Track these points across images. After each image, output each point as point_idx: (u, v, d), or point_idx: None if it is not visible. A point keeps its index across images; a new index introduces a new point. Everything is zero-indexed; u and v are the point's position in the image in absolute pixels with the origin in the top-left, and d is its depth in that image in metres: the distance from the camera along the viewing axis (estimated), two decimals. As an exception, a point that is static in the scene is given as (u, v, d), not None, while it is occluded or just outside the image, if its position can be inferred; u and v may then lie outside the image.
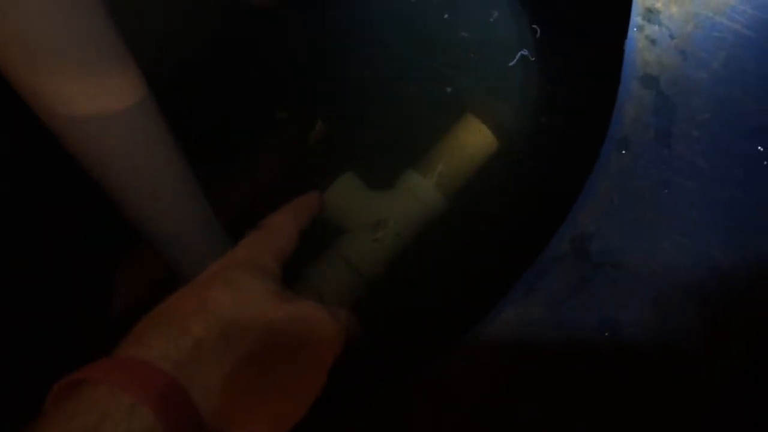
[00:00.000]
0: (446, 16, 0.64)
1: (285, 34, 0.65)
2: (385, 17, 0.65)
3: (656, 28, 0.42)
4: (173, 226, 0.38)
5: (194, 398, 0.25)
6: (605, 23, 0.45)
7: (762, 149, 0.41)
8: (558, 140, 0.56)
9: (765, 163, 0.40)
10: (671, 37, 0.42)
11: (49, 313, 0.50)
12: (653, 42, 0.42)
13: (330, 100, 0.63)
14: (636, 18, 0.42)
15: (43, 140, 0.31)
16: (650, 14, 0.42)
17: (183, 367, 0.25)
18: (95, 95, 0.27)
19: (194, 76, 0.59)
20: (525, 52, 0.60)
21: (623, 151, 0.40)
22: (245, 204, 0.59)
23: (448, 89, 0.62)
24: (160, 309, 0.27)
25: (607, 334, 0.37)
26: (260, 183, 0.60)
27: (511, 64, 0.61)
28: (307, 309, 0.29)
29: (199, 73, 0.60)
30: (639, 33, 0.42)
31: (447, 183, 0.55)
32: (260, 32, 0.63)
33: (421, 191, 0.55)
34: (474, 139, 0.57)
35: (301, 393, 0.28)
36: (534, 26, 0.61)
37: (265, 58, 0.63)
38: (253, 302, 0.28)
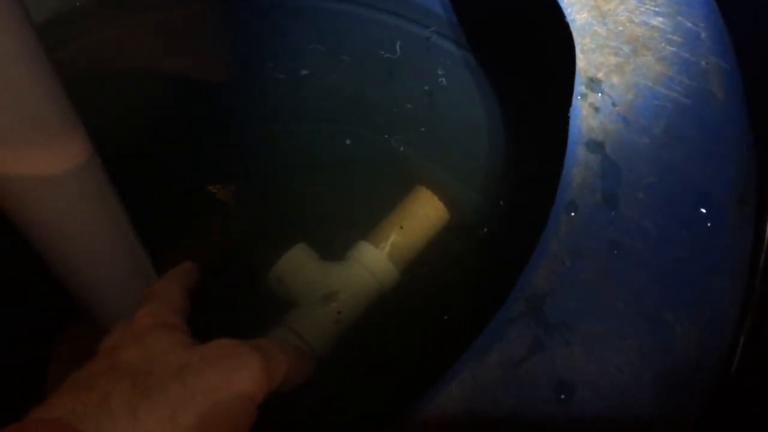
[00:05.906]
0: (395, 90, 0.66)
1: (235, 112, 0.66)
2: (334, 93, 0.67)
3: (599, 96, 0.44)
4: (116, 298, 0.37)
5: None
6: (550, 92, 0.47)
7: (705, 211, 0.42)
8: (509, 206, 0.57)
9: (708, 225, 0.42)
10: (613, 104, 0.44)
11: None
12: (597, 109, 0.43)
13: (282, 173, 0.63)
14: (579, 87, 0.44)
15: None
16: (592, 83, 0.44)
17: (91, 419, 0.24)
18: (33, 156, 0.26)
19: (148, 149, 0.60)
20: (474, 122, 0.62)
21: (572, 214, 0.41)
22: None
23: (400, 162, 0.63)
24: (71, 377, 0.28)
25: (563, 396, 0.36)
26: (211, 255, 0.59)
27: (460, 137, 0.62)
28: (222, 346, 0.29)
29: (153, 146, 0.60)
30: (583, 101, 0.43)
31: (400, 254, 0.56)
32: (212, 108, 0.64)
33: (374, 262, 0.55)
34: (426, 210, 0.58)
35: None
36: (484, 99, 0.63)
37: (217, 133, 0.64)
38: (162, 352, 0.28)
